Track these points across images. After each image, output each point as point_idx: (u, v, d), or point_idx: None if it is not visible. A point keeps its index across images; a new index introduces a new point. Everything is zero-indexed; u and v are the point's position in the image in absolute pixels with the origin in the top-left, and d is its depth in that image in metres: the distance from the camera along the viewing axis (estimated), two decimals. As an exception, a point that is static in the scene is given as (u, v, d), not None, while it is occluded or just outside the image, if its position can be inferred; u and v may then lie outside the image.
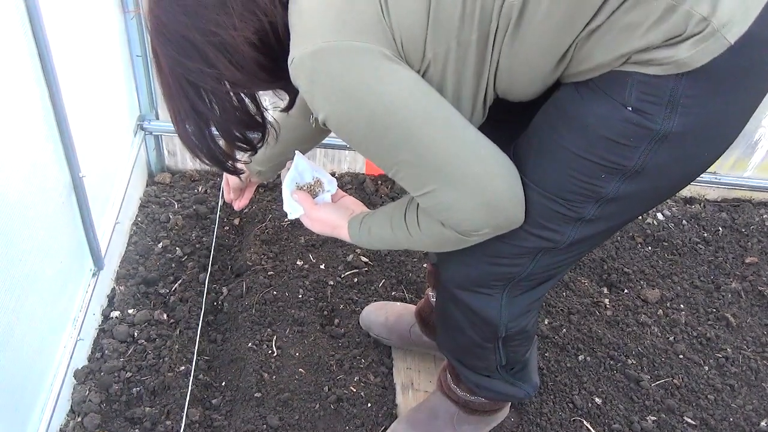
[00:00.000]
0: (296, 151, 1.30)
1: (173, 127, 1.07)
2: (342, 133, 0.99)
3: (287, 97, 1.15)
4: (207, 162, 1.11)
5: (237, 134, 1.09)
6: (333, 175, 2.56)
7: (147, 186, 2.42)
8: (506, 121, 1.13)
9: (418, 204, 1.10)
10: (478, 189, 0.99)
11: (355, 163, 2.59)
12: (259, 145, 1.14)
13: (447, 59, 0.97)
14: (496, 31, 0.95)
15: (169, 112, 1.05)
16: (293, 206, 1.30)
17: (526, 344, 1.41)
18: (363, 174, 2.60)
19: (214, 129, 1.07)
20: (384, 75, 0.92)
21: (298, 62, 0.94)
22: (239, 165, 1.17)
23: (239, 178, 1.55)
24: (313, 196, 1.31)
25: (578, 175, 1.02)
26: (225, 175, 1.61)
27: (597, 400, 1.83)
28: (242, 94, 1.05)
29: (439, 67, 0.97)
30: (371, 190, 2.50)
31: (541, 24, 0.93)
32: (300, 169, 1.29)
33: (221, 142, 1.11)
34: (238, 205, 1.66)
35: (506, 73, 1.00)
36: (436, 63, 0.97)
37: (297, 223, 2.25)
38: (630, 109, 0.94)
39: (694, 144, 0.97)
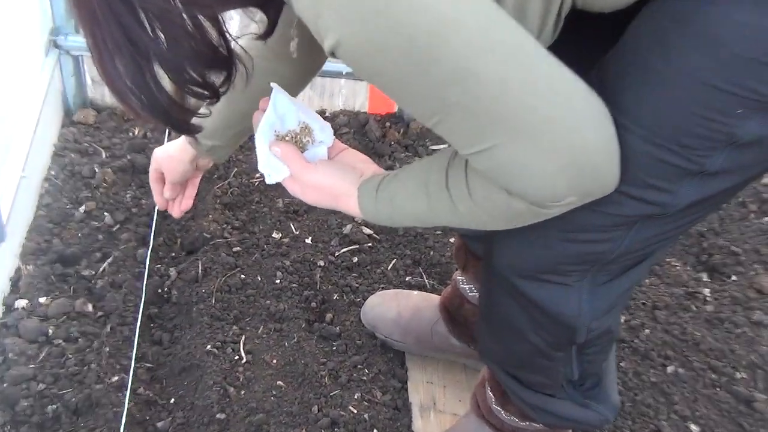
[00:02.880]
0: (273, 85, 1.25)
1: (96, 66, 1.01)
2: (361, 65, 0.97)
3: (264, 20, 1.12)
4: (147, 115, 1.05)
5: (192, 74, 1.03)
6: (323, 116, 2.56)
7: (63, 127, 2.41)
8: (578, 42, 1.11)
9: (466, 163, 1.08)
10: (560, 141, 0.97)
11: (354, 97, 2.59)
12: (222, 90, 1.11)
13: None
14: None
15: (89, 44, 0.99)
16: (273, 165, 1.25)
17: (606, 351, 1.41)
18: (365, 113, 2.60)
19: (157, 67, 1.02)
20: None
21: None
22: (194, 120, 1.14)
23: (195, 142, 1.50)
24: (300, 150, 1.27)
25: (703, 111, 1.01)
26: (153, 167, 1.59)
27: (693, 427, 1.84)
28: (200, 17, 1.00)
29: None
30: (376, 135, 2.49)
31: None
32: (280, 111, 1.25)
33: (167, 86, 1.07)
34: (179, 211, 1.64)
35: None
36: None
37: (277, 185, 2.25)
38: None
39: None
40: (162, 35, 0.97)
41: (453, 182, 1.11)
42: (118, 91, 1.02)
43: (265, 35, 1.12)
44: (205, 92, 1.07)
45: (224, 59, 1.06)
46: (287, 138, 1.27)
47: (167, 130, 2.36)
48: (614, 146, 1.01)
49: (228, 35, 1.05)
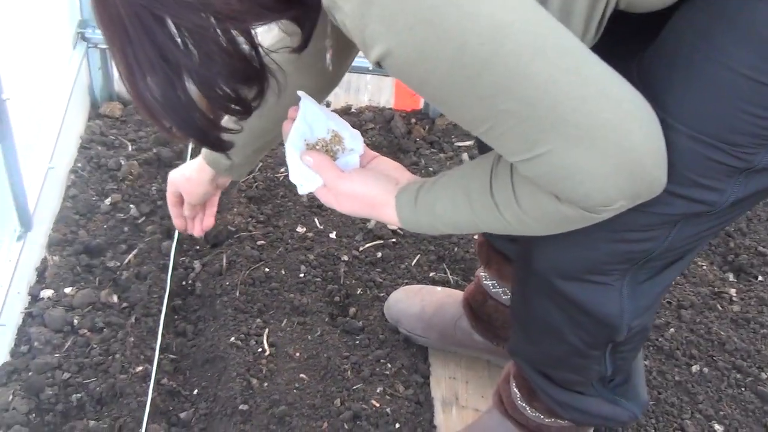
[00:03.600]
0: (301, 93, 1.25)
1: (126, 85, 1.02)
2: (410, 75, 0.97)
3: (298, 33, 1.12)
4: (179, 132, 1.06)
5: (225, 89, 1.04)
6: (349, 111, 2.57)
7: (90, 120, 2.44)
8: (611, 41, 1.12)
9: (511, 170, 1.08)
10: (612, 145, 0.97)
11: (379, 93, 2.60)
12: (254, 105, 1.10)
13: None
14: None
15: (119, 63, 1.00)
16: (305, 175, 1.24)
17: (639, 348, 1.42)
18: (390, 109, 2.60)
19: (188, 83, 1.01)
20: None
21: None
22: (226, 136, 1.12)
23: (213, 161, 1.51)
24: (331, 158, 1.26)
25: (750, 107, 1.01)
26: (170, 191, 1.59)
27: (717, 427, 1.84)
28: (233, 31, 1.00)
29: None
30: (402, 131, 2.50)
31: None
32: (309, 119, 1.24)
33: (198, 102, 1.05)
34: (200, 230, 1.65)
35: None
36: None
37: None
38: None
39: None
40: (195, 51, 0.97)
41: (498, 190, 1.10)
42: (150, 109, 1.02)
43: (299, 48, 1.11)
44: (238, 107, 1.07)
45: (257, 73, 1.06)
46: (318, 147, 1.26)
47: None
48: (663, 148, 1.02)
49: (261, 48, 1.05)
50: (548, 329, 1.37)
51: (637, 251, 1.20)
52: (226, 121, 1.15)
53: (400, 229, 2.18)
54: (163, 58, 0.96)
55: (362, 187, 1.24)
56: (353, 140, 1.27)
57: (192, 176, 1.57)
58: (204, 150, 1.52)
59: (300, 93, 1.24)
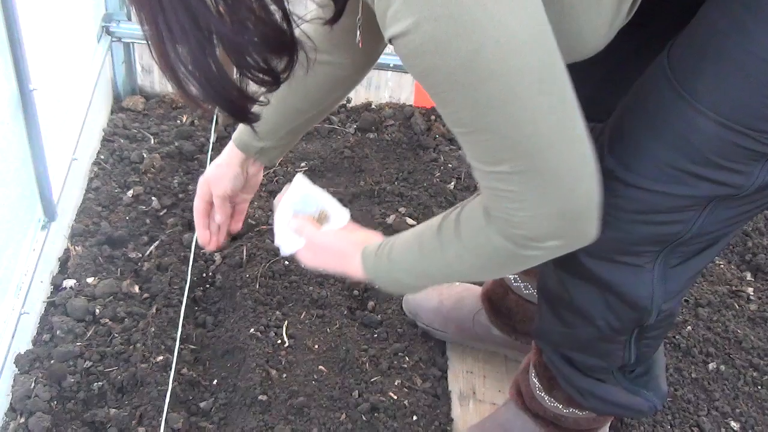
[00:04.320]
0: (298, 174, 1.39)
1: (155, 55, 1.01)
2: (417, 62, 0.97)
3: (331, 5, 1.12)
4: (208, 102, 1.06)
5: (256, 58, 1.03)
6: (369, 107, 2.58)
7: (113, 113, 2.46)
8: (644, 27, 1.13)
9: (460, 211, 1.15)
10: (568, 189, 1.02)
11: (399, 90, 2.60)
12: (283, 76, 1.11)
13: None
14: None
15: (150, 33, 0.99)
16: (289, 238, 1.38)
17: (663, 335, 1.42)
18: (410, 106, 2.61)
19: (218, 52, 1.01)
20: (510, 2, 0.91)
21: None
22: (255, 107, 1.13)
23: (244, 144, 1.51)
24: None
25: None
26: (200, 192, 1.57)
27: (733, 424, 1.84)
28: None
29: None
30: (422, 128, 2.51)
31: None
32: (301, 196, 1.38)
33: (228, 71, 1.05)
34: (224, 235, 1.62)
35: None
36: None
37: (320, 167, 2.27)
38: None
39: None
40: (228, 17, 0.97)
41: (445, 227, 1.18)
42: (178, 79, 1.01)
43: (332, 21, 1.12)
44: (267, 78, 1.07)
45: (288, 43, 1.05)
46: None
47: (214, 119, 2.40)
48: (598, 202, 1.07)
49: (292, 17, 1.04)
50: (577, 310, 1.38)
51: (666, 233, 1.22)
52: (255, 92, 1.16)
53: (416, 224, 2.18)
54: (195, 24, 0.96)
55: (336, 241, 1.35)
56: (338, 217, 1.39)
57: (222, 162, 1.55)
58: (234, 135, 1.52)
59: (299, 174, 1.39)
